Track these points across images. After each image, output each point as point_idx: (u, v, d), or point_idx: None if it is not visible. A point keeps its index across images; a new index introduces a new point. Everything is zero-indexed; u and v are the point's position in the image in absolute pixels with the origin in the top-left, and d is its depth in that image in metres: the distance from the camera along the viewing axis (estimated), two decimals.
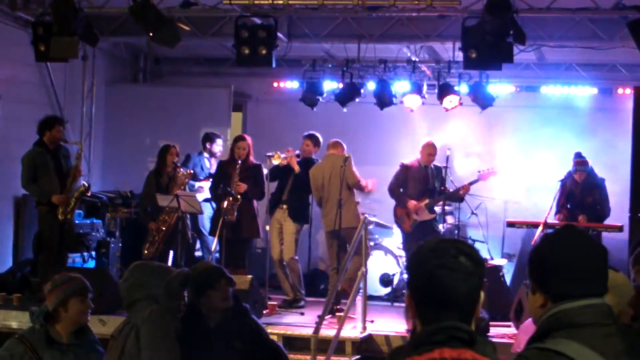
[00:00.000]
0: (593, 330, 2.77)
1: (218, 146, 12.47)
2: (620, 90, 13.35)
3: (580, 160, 11.56)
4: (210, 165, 12.35)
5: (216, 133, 12.72)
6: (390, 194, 11.74)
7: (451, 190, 11.56)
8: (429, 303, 2.62)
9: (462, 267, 2.60)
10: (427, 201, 11.46)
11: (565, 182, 11.56)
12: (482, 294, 2.68)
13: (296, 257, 11.30)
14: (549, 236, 2.96)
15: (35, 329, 5.47)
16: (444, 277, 2.58)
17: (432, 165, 11.61)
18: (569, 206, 11.41)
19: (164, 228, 11.26)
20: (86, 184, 11.22)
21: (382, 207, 12.65)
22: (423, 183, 11.56)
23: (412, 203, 11.50)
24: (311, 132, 11.56)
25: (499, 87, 13.13)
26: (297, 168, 11.16)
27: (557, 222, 11.27)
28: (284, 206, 11.30)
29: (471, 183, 11.63)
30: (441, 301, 2.60)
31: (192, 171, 11.73)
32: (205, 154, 12.44)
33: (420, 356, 2.54)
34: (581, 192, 11.41)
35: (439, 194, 11.50)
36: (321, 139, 11.50)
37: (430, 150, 11.55)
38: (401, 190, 11.65)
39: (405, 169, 11.69)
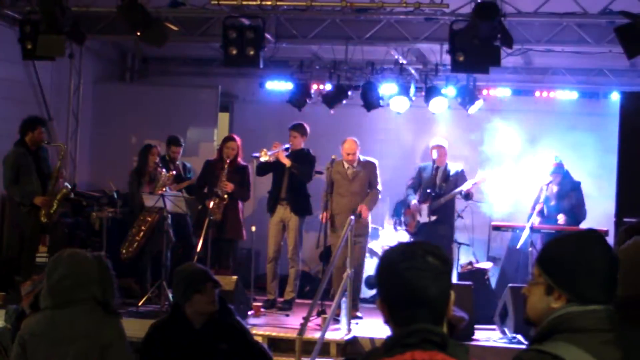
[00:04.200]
0: (593, 336, 2.79)
1: (173, 153, 12.28)
2: (607, 95, 13.39)
3: (555, 164, 11.63)
4: (175, 166, 12.17)
5: (175, 139, 12.44)
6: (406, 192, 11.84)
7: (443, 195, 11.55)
8: (401, 305, 2.66)
9: (432, 267, 2.65)
10: (429, 203, 11.48)
11: (542, 187, 11.65)
12: (453, 294, 2.71)
13: (299, 255, 11.38)
14: (577, 238, 2.95)
15: (6, 328, 5.40)
16: (415, 278, 2.62)
17: (444, 167, 11.60)
18: (545, 210, 11.43)
19: (144, 228, 11.25)
20: (69, 186, 11.21)
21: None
22: (430, 185, 11.57)
23: (413, 205, 11.59)
24: (297, 122, 11.53)
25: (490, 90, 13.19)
26: (287, 162, 11.11)
27: (543, 226, 11.30)
28: (285, 203, 11.28)
29: (474, 183, 11.59)
30: (413, 302, 2.63)
31: (174, 173, 11.71)
32: (167, 157, 12.29)
33: (391, 358, 2.56)
34: (557, 195, 11.45)
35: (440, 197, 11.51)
36: (308, 129, 11.46)
37: (438, 150, 11.60)
38: (416, 191, 11.73)
39: (419, 171, 11.86)
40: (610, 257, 2.89)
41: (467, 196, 11.78)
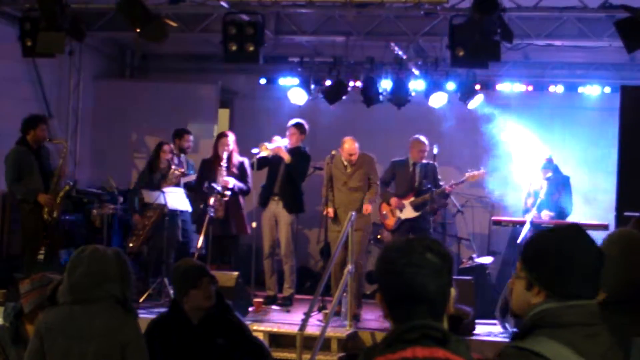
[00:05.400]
0: (576, 330, 2.75)
1: (187, 142, 12.33)
2: (607, 89, 13.38)
3: (545, 159, 11.64)
4: (179, 161, 12.20)
5: (185, 129, 12.52)
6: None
7: (435, 189, 11.50)
8: (401, 301, 2.66)
9: (431, 264, 2.65)
10: (412, 199, 11.45)
11: (531, 182, 11.67)
12: (453, 290, 2.71)
13: (293, 250, 11.32)
14: (557, 233, 2.90)
15: (5, 327, 5.40)
16: (414, 274, 2.63)
17: (422, 163, 11.55)
18: (536, 203, 11.42)
19: (147, 223, 11.26)
20: (71, 183, 11.20)
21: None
22: (409, 181, 11.54)
23: (395, 200, 11.51)
24: (297, 120, 11.52)
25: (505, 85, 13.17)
26: (287, 157, 11.11)
27: (543, 220, 11.29)
28: (277, 198, 11.27)
29: (457, 183, 11.62)
30: (412, 298, 2.64)
31: (183, 169, 11.71)
32: (174, 150, 12.25)
33: (393, 354, 2.57)
34: (547, 190, 11.44)
35: (426, 192, 11.44)
36: (307, 128, 11.46)
37: (419, 146, 11.48)
38: (388, 187, 11.66)
39: (393, 166, 11.70)
40: (592, 252, 2.84)
41: (446, 195, 11.79)
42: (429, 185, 11.37)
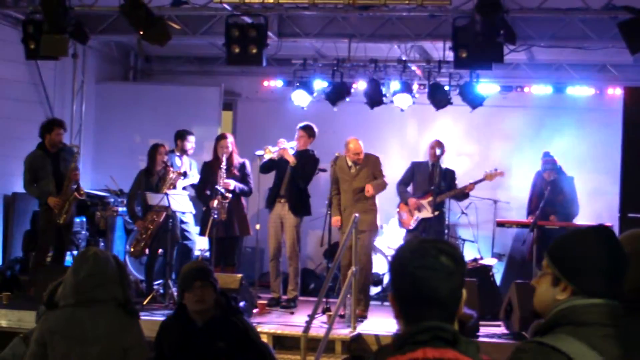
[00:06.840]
0: (595, 330, 2.79)
1: (189, 143, 12.30)
2: (610, 91, 13.38)
3: (548, 160, 11.67)
4: (182, 163, 12.19)
5: (187, 130, 12.51)
6: (396, 189, 11.78)
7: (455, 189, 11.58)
8: (412, 303, 2.66)
9: (443, 267, 2.64)
10: (430, 199, 11.47)
11: (535, 183, 11.67)
12: (464, 293, 2.71)
13: (298, 252, 11.30)
14: (588, 232, 2.95)
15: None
16: (426, 277, 2.62)
17: (440, 165, 11.58)
18: (541, 205, 11.40)
19: (151, 227, 11.25)
20: (83, 191, 11.23)
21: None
22: (428, 181, 11.57)
23: (413, 200, 11.54)
24: (306, 122, 11.50)
25: (488, 86, 13.09)
26: (292, 160, 11.10)
27: (548, 222, 11.29)
28: (283, 200, 11.27)
29: (476, 182, 11.62)
30: (424, 301, 2.63)
31: (181, 171, 11.70)
32: (177, 152, 12.25)
33: (403, 356, 2.57)
34: (551, 191, 11.44)
35: (443, 192, 11.49)
36: (316, 130, 11.44)
37: (433, 146, 11.60)
38: (407, 187, 11.71)
39: (413, 167, 11.80)
40: (618, 253, 2.89)
41: (465, 195, 11.81)
42: (434, 187, 11.42)
